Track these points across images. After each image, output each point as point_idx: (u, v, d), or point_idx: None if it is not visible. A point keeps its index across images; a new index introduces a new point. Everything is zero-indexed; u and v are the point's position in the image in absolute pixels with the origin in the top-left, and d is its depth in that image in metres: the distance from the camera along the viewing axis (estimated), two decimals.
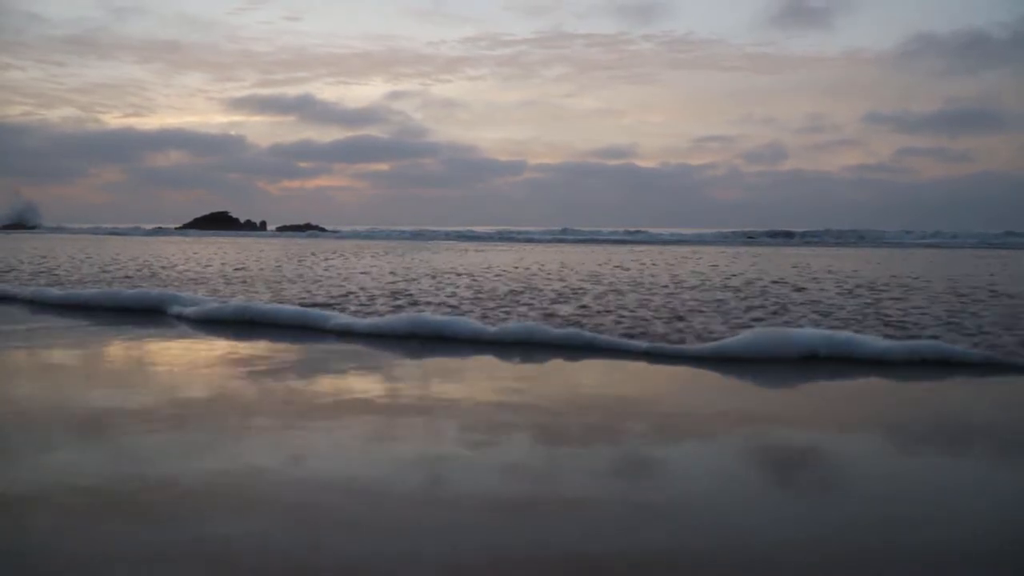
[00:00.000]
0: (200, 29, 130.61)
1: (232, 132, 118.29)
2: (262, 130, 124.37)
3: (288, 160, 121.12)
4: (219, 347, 5.54)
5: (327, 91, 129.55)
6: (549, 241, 39.82)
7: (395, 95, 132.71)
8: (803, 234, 43.16)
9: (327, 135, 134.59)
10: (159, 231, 62.98)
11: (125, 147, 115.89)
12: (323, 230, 67.52)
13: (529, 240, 41.97)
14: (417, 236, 55.06)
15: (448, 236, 50.13)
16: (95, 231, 58.94)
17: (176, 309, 6.98)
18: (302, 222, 68.92)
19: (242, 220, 68.16)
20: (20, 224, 61.76)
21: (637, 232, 50.51)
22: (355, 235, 62.82)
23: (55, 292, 8.12)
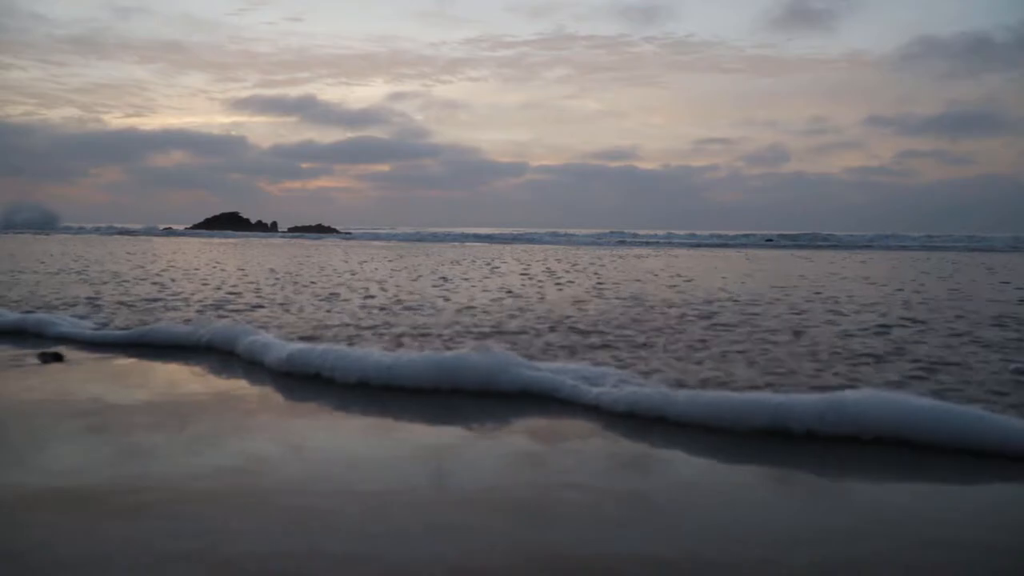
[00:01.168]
0: (202, 29, 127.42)
1: (234, 132, 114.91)
2: (264, 131, 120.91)
3: (289, 161, 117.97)
4: None
5: (328, 92, 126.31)
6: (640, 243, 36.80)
7: (397, 96, 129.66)
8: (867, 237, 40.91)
9: (329, 136, 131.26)
10: (169, 231, 59.81)
11: (126, 147, 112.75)
12: (335, 231, 64.66)
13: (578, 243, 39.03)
14: (442, 238, 52.51)
15: (489, 238, 47.15)
16: (108, 230, 55.61)
17: (572, 388, 3.62)
18: (311, 223, 65.91)
19: (253, 221, 65.18)
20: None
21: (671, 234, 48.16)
22: (372, 236, 59.96)
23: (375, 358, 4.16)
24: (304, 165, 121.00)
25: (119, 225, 62.65)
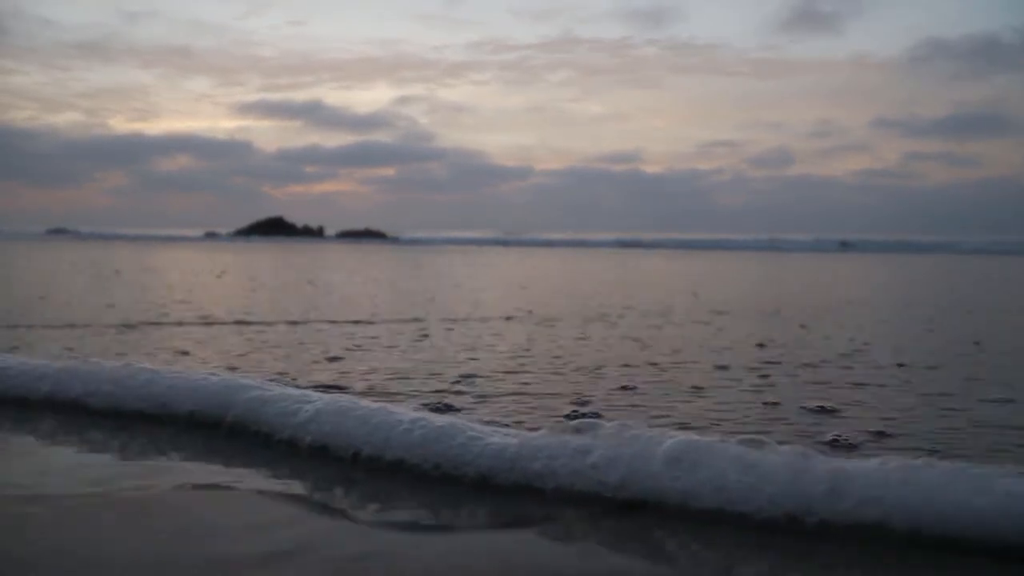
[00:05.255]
0: (207, 33, 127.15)
1: (239, 137, 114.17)
2: (269, 135, 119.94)
3: (295, 165, 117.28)
4: None
5: (333, 96, 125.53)
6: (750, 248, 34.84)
7: (401, 100, 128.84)
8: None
9: (334, 140, 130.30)
10: (212, 236, 58.03)
11: (131, 152, 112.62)
12: (383, 236, 63.07)
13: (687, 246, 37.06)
14: (504, 242, 50.85)
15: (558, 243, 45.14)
16: (140, 236, 53.81)
17: None
18: (360, 227, 64.13)
19: (299, 226, 63.27)
20: None
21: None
22: (422, 241, 58.17)
23: None
24: (309, 169, 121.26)
25: (153, 231, 60.85)
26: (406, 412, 2.18)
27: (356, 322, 4.50)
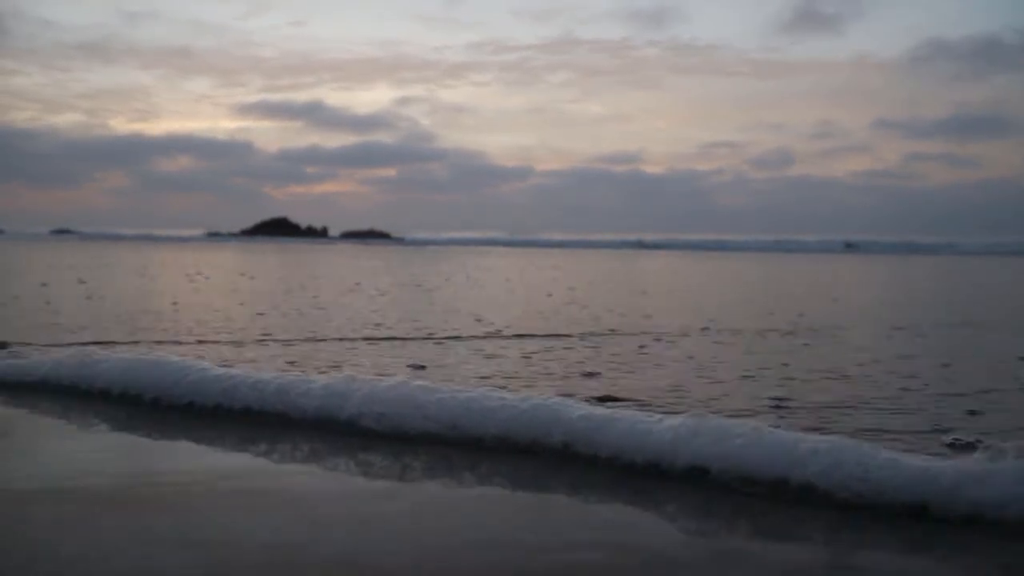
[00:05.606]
0: (207, 34, 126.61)
1: (239, 138, 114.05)
2: (270, 136, 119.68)
3: (296, 165, 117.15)
4: None
5: (334, 96, 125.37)
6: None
7: (402, 101, 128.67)
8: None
9: (334, 140, 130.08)
10: (215, 236, 57.80)
11: (132, 152, 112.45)
12: (388, 236, 62.91)
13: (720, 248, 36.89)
14: (511, 242, 50.75)
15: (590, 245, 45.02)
16: (144, 237, 53.55)
17: None
18: (364, 227, 63.94)
19: (303, 226, 63.07)
20: None
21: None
22: (428, 241, 57.98)
23: None
24: (310, 169, 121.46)
25: (154, 231, 60.57)
26: (795, 434, 2.11)
27: (551, 335, 4.37)
